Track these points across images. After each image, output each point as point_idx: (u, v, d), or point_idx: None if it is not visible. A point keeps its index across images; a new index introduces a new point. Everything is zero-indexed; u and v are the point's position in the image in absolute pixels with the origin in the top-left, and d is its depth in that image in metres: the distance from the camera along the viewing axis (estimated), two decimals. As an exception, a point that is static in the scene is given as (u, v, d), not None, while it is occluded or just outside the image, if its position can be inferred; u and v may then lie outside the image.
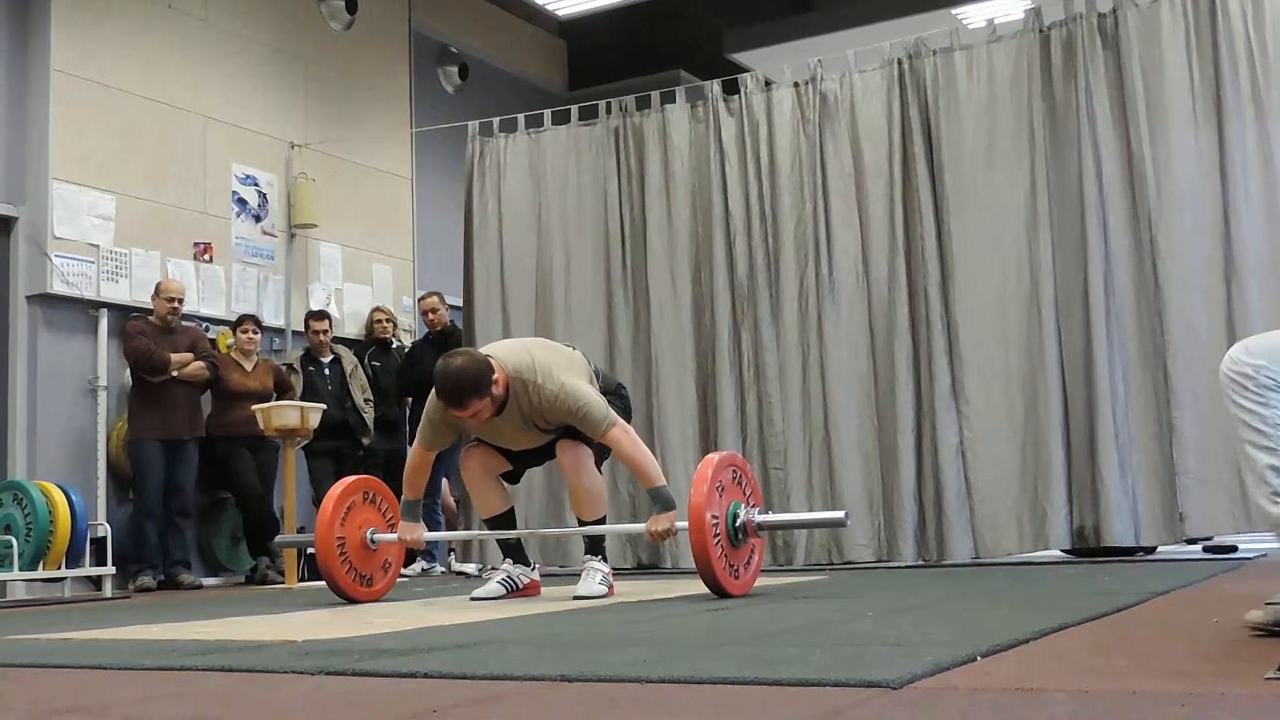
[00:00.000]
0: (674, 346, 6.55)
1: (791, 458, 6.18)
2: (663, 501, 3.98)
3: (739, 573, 3.88)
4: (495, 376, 4.00)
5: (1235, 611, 2.70)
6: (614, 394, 4.38)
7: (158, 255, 7.34)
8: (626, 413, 4.36)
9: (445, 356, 4.08)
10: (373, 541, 4.57)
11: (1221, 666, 1.84)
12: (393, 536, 4.57)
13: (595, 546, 4.34)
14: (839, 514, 4.21)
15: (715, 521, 3.76)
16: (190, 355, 6.89)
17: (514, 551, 4.47)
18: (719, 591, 3.75)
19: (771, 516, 4.10)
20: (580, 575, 4.29)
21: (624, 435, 4.07)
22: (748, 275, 6.40)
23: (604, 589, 4.16)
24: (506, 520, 4.46)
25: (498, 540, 4.59)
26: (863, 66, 6.30)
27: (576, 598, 4.07)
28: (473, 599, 4.27)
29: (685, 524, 3.77)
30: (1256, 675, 1.65)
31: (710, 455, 4.00)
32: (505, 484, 4.51)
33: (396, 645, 2.56)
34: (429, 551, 7.80)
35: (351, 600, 4.47)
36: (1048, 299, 5.71)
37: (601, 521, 4.35)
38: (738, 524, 3.87)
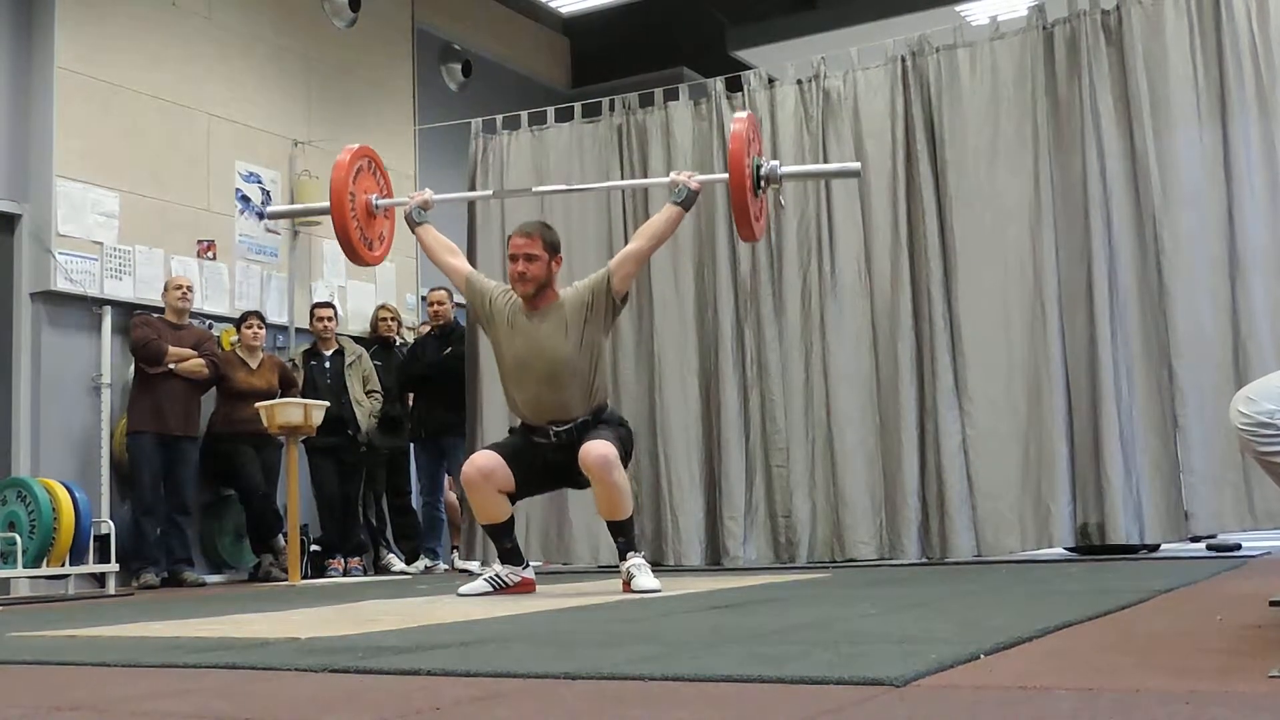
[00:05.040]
0: (677, 344, 6.55)
1: (794, 455, 6.18)
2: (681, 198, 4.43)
3: (759, 216, 4.58)
4: (558, 261, 4.40)
5: (1238, 609, 2.70)
6: (620, 424, 4.42)
7: (161, 253, 7.35)
8: (629, 445, 4.41)
9: None
10: (376, 206, 4.87)
11: (1225, 664, 1.84)
12: (396, 200, 4.92)
13: (631, 545, 4.31)
14: (854, 165, 4.86)
15: (748, 165, 4.37)
16: (191, 351, 6.90)
17: (507, 557, 4.46)
18: (746, 234, 4.53)
19: (788, 168, 4.75)
20: (630, 574, 4.22)
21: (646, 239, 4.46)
22: (750, 273, 6.40)
23: (658, 583, 4.16)
24: (505, 527, 4.42)
25: (494, 543, 4.54)
26: (866, 64, 6.29)
27: (638, 590, 4.08)
28: (459, 594, 4.29)
29: (722, 176, 4.44)
30: (1261, 673, 1.65)
31: (738, 115, 4.53)
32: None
33: (400, 643, 2.56)
34: (432, 549, 7.82)
35: (359, 262, 4.93)
36: (1051, 297, 5.71)
37: (630, 521, 4.32)
38: (762, 173, 4.49)
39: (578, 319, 4.32)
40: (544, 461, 4.37)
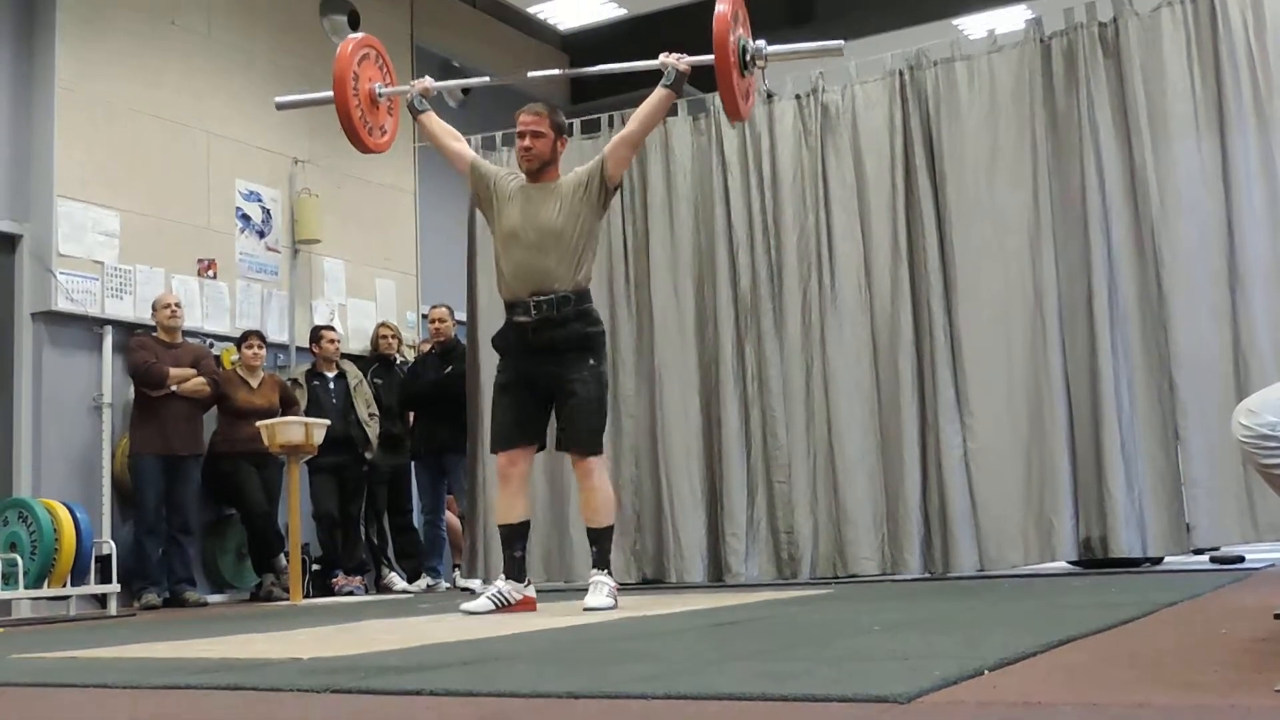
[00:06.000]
0: (677, 360, 6.54)
1: (795, 471, 6.17)
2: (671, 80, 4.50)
3: (747, 97, 4.61)
4: (563, 141, 4.56)
5: (1243, 622, 2.69)
6: (598, 324, 4.52)
7: (162, 272, 7.36)
8: (606, 379, 4.54)
9: None
10: (380, 94, 4.89)
11: (1230, 678, 1.83)
12: (399, 89, 4.93)
13: (603, 560, 4.40)
14: (837, 43, 4.74)
15: (734, 45, 4.41)
16: (191, 371, 6.90)
17: (511, 568, 4.48)
18: (732, 111, 4.55)
19: (774, 48, 4.63)
20: (588, 589, 4.34)
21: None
22: (750, 288, 6.40)
23: (611, 602, 4.24)
24: (520, 531, 4.48)
25: (504, 549, 4.56)
26: (864, 78, 6.30)
27: (586, 609, 4.14)
28: (462, 611, 4.30)
29: (709, 58, 4.38)
30: (1266, 686, 1.65)
31: None
32: (527, 498, 4.57)
33: (402, 662, 2.56)
34: (434, 568, 7.81)
35: (360, 145, 4.84)
36: (1051, 309, 5.71)
37: (610, 530, 4.45)
38: (748, 53, 4.51)
39: (571, 197, 4.46)
40: (532, 373, 4.42)
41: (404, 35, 9.26)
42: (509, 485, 4.46)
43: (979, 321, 5.85)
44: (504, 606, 4.36)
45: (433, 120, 4.77)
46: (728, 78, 4.41)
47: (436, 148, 4.83)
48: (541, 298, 4.37)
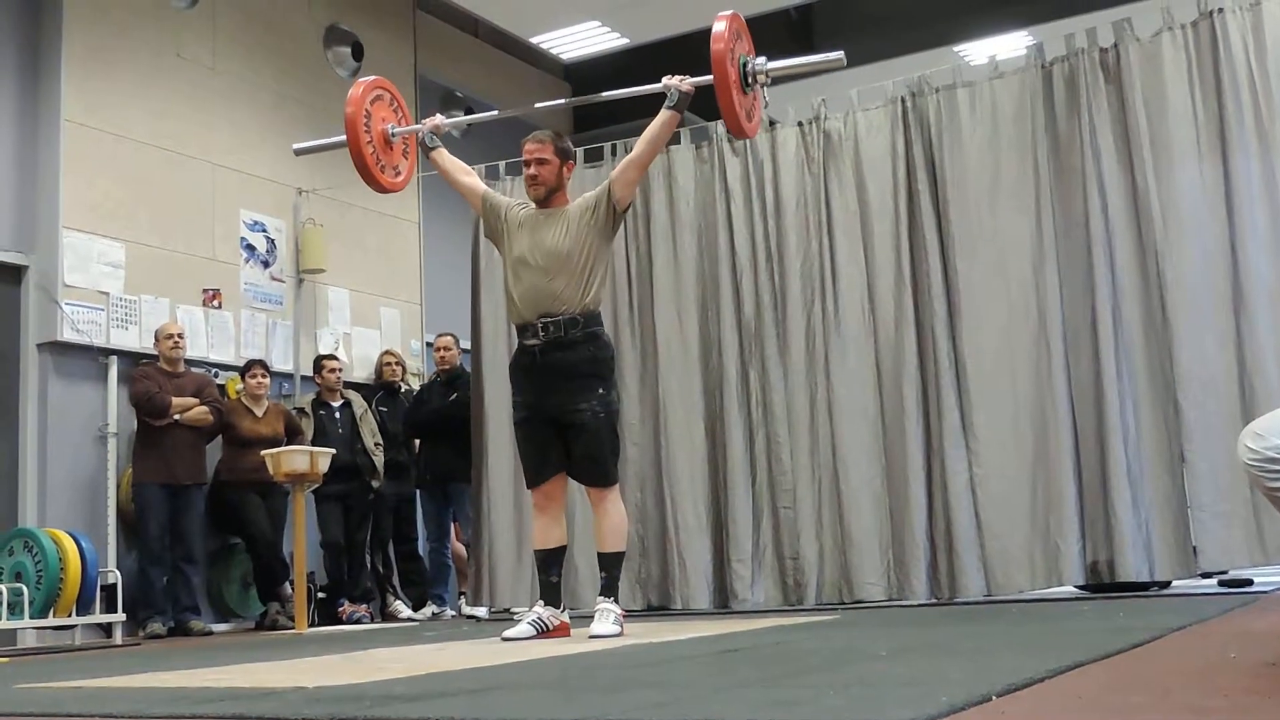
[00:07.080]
0: (682, 386, 6.54)
1: (801, 497, 6.16)
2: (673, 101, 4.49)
3: (751, 116, 4.57)
4: (569, 167, 4.58)
5: (1252, 646, 2.68)
6: (607, 348, 4.53)
7: (167, 302, 7.38)
8: (616, 406, 4.54)
9: None
10: (393, 133, 4.92)
11: (1240, 702, 1.82)
12: (412, 127, 4.98)
13: (610, 588, 4.41)
14: (837, 54, 4.64)
15: (734, 63, 4.41)
16: (194, 400, 6.91)
17: (548, 593, 4.48)
18: (736, 130, 4.54)
19: (775, 64, 4.59)
20: (594, 616, 4.34)
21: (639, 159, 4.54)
22: (754, 314, 6.41)
23: (617, 629, 4.25)
24: (556, 557, 4.50)
25: (540, 575, 4.56)
26: (866, 104, 6.33)
27: (592, 636, 4.15)
28: (504, 639, 4.29)
29: (711, 78, 4.35)
30: (1275, 711, 1.64)
31: (722, 13, 4.44)
32: (564, 524, 4.61)
33: (408, 691, 2.55)
34: (439, 596, 7.79)
35: (375, 185, 4.88)
36: (1055, 333, 5.71)
37: (620, 557, 4.46)
38: (748, 70, 4.50)
39: (578, 221, 4.49)
40: (542, 404, 4.41)
41: (407, 66, 9.31)
42: (544, 514, 4.51)
43: (983, 346, 5.85)
44: (544, 632, 4.36)
45: (444, 156, 4.82)
46: (727, 95, 4.41)
47: (449, 183, 4.87)
48: (549, 319, 4.39)
